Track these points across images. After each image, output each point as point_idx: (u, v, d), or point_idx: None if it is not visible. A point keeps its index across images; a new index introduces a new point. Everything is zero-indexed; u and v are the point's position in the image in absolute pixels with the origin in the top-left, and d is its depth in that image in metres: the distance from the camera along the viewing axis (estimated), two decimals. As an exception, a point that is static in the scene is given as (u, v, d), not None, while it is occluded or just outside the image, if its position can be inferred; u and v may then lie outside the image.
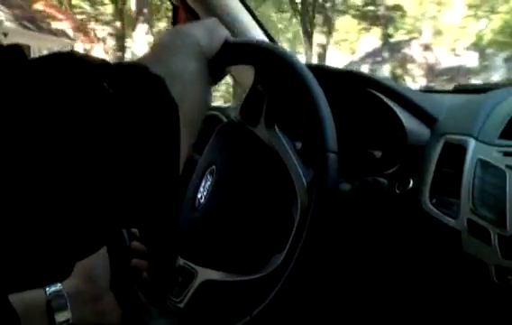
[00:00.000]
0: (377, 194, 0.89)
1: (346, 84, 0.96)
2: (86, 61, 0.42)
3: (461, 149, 0.78)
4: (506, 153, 0.72)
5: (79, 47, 14.58)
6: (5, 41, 0.46)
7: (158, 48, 0.58)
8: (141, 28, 12.46)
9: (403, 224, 0.87)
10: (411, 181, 0.85)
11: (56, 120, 0.34)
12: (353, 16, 17.65)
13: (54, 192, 0.34)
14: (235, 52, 0.71)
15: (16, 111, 0.33)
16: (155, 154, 0.42)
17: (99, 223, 0.39)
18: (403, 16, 16.83)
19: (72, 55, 0.42)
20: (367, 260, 0.96)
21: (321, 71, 0.78)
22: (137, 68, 0.46)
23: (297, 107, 0.80)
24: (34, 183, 0.33)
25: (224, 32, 0.71)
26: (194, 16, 1.25)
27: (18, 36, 10.67)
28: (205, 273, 0.77)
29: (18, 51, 0.38)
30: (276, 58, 0.71)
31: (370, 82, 0.93)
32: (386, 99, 0.89)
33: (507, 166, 0.70)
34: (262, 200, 0.77)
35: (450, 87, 1.20)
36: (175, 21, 1.36)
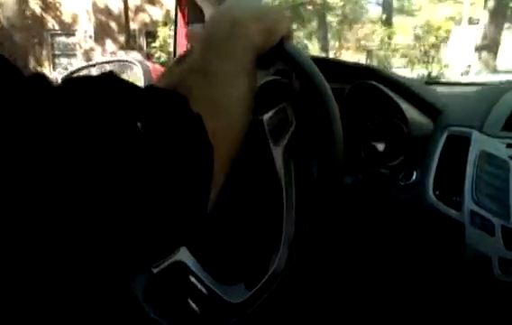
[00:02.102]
0: (380, 186, 0.89)
1: (350, 77, 0.96)
2: (122, 91, 0.41)
3: (465, 141, 0.78)
4: (509, 145, 0.73)
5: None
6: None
7: (207, 54, 0.52)
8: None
9: (406, 216, 0.87)
10: (414, 173, 0.85)
11: (83, 160, 0.33)
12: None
13: (82, 234, 0.33)
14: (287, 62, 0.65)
15: (43, 149, 0.32)
16: (182, 199, 0.40)
17: (122, 267, 0.38)
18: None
19: (109, 81, 0.41)
20: (370, 251, 0.96)
21: (325, 64, 0.78)
22: (176, 101, 0.43)
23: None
24: (57, 228, 0.32)
25: (283, 30, 0.63)
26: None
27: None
28: (184, 255, 0.78)
29: (42, 80, 0.36)
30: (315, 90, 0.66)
31: (374, 75, 0.93)
32: (389, 92, 0.89)
33: (511, 157, 0.71)
34: (253, 219, 0.78)
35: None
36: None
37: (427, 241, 0.84)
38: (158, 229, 0.39)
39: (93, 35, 15.29)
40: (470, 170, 0.74)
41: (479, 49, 9.67)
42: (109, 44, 15.43)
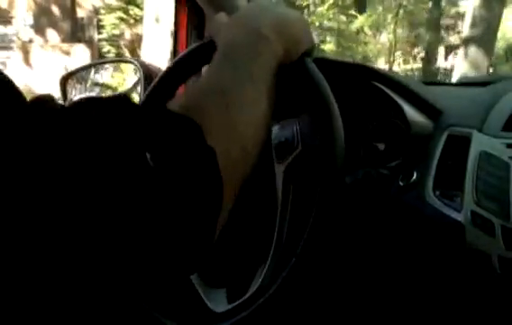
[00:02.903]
0: (380, 186, 0.89)
1: (350, 76, 0.96)
2: (132, 117, 0.39)
3: (465, 141, 0.78)
4: (509, 145, 0.73)
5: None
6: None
7: (227, 72, 0.50)
8: None
9: (406, 216, 0.87)
10: (414, 174, 0.85)
11: (88, 190, 0.32)
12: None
13: (87, 267, 0.33)
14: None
15: (46, 179, 0.31)
16: (188, 232, 0.39)
17: (128, 292, 0.38)
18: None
19: (120, 106, 0.40)
20: (369, 252, 0.96)
21: (325, 63, 0.78)
22: (190, 132, 0.41)
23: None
24: (61, 261, 0.31)
25: (305, 43, 0.61)
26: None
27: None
28: None
29: (47, 104, 0.35)
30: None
31: (374, 74, 0.93)
32: (389, 92, 0.89)
33: (511, 158, 0.71)
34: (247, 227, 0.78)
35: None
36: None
37: (427, 241, 0.84)
38: (162, 261, 0.38)
39: (33, 24, 12.35)
40: (470, 170, 0.74)
41: (465, 42, 7.44)
42: (52, 35, 12.63)
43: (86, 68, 1.23)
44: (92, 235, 0.32)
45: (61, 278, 0.31)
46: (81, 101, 0.39)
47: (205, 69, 0.98)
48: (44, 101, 0.36)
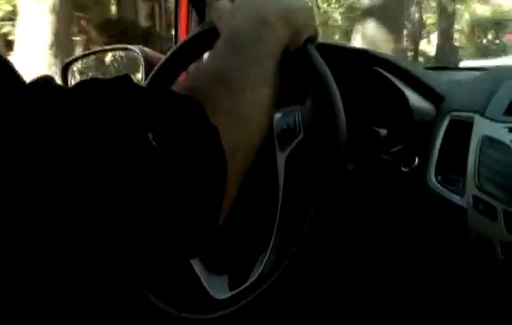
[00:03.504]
0: (382, 172, 0.89)
1: (352, 61, 0.95)
2: (134, 97, 0.39)
3: (467, 126, 0.78)
4: (511, 130, 0.72)
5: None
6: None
7: (230, 58, 0.49)
8: None
9: (408, 202, 0.87)
10: (416, 159, 0.85)
11: (88, 170, 0.32)
12: None
13: (88, 247, 0.32)
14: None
15: (47, 158, 0.31)
16: (191, 214, 0.39)
17: (130, 277, 0.38)
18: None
19: (122, 86, 0.39)
20: (372, 238, 0.96)
21: (327, 48, 0.78)
22: (193, 111, 0.41)
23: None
24: (61, 240, 0.31)
25: (310, 30, 0.60)
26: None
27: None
28: None
29: (47, 85, 0.35)
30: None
31: (375, 60, 0.93)
32: (391, 77, 0.89)
33: (513, 141, 0.70)
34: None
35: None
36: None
37: (429, 226, 0.84)
38: (165, 243, 0.38)
39: None
40: (472, 155, 0.74)
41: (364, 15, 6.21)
42: None
43: (88, 55, 1.23)
44: (94, 216, 0.32)
45: (62, 260, 0.31)
46: (82, 82, 0.39)
47: (206, 54, 0.98)
48: (44, 82, 0.35)
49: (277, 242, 0.78)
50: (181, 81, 0.50)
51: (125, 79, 0.41)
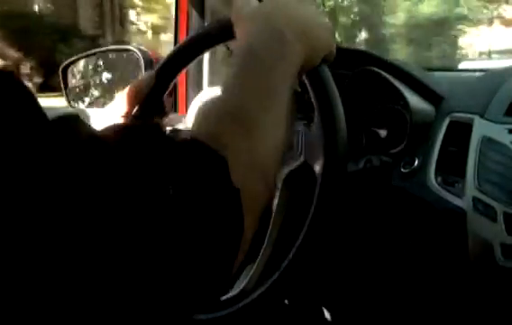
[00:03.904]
0: (382, 173, 0.89)
1: (352, 63, 0.95)
2: (159, 147, 0.39)
3: (467, 127, 0.78)
4: (511, 131, 0.72)
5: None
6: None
7: (248, 94, 0.47)
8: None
9: (408, 203, 0.87)
10: (416, 160, 0.85)
11: (106, 218, 0.32)
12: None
13: (105, 297, 0.32)
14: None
15: (66, 202, 0.30)
16: (204, 267, 0.38)
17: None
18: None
19: (148, 135, 0.39)
20: (371, 239, 0.96)
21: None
22: (216, 168, 0.40)
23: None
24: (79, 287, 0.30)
25: (326, 49, 0.59)
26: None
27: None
28: None
29: (74, 123, 0.35)
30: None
31: (375, 61, 0.93)
32: (391, 78, 0.89)
33: (513, 143, 0.71)
34: None
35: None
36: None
37: (429, 228, 0.84)
38: (173, 296, 0.37)
39: None
40: (472, 156, 0.74)
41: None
42: None
43: (88, 56, 1.23)
44: (109, 264, 0.31)
45: (71, 308, 0.30)
46: (109, 127, 0.39)
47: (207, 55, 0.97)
48: (69, 121, 0.35)
49: (264, 257, 0.77)
50: (202, 120, 0.47)
51: (155, 128, 0.41)
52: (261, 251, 0.78)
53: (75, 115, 0.36)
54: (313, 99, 0.62)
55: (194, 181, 0.38)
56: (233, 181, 0.41)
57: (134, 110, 0.72)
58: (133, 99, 0.72)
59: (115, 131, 0.39)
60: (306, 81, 0.60)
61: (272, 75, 0.49)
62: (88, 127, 0.37)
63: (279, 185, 0.81)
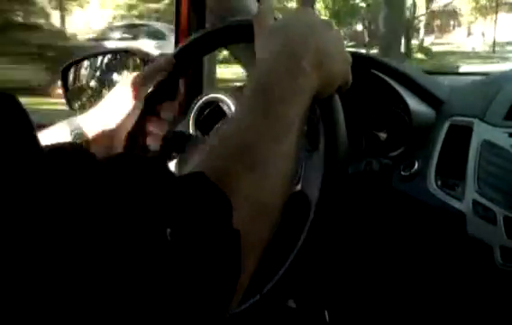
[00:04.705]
0: (381, 176, 0.89)
1: (352, 66, 0.95)
2: (160, 185, 0.38)
3: (467, 130, 0.78)
4: (511, 135, 0.72)
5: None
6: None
7: (258, 128, 0.46)
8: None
9: (408, 206, 0.87)
10: (416, 163, 0.85)
11: (96, 259, 0.31)
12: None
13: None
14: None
15: (62, 243, 0.29)
16: (201, 307, 0.37)
17: None
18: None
19: (149, 173, 0.38)
20: (371, 242, 0.96)
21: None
22: (219, 209, 0.39)
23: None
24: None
25: (342, 80, 0.58)
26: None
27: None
28: None
29: (69, 153, 0.34)
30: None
31: (375, 64, 0.93)
32: (391, 81, 0.89)
33: (513, 146, 0.71)
34: None
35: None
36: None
37: (429, 231, 0.84)
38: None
39: None
40: (472, 159, 0.74)
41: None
42: None
43: (87, 58, 1.23)
44: (104, 307, 0.31)
45: None
46: (111, 158, 0.38)
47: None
48: (64, 151, 0.35)
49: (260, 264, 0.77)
50: (208, 153, 0.46)
51: (159, 163, 0.40)
52: None
53: (74, 144, 0.35)
54: (320, 127, 0.62)
55: (193, 223, 0.37)
56: (235, 222, 0.40)
57: (149, 91, 0.73)
58: (150, 80, 0.72)
59: (116, 163, 0.38)
60: (317, 109, 0.59)
61: (285, 108, 0.47)
62: (86, 158, 0.36)
63: None
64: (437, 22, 16.11)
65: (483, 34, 13.61)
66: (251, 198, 0.43)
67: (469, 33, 14.77)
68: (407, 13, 13.38)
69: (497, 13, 13.85)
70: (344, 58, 0.59)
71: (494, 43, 13.10)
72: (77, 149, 0.35)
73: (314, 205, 0.62)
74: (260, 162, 0.44)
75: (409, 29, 13.46)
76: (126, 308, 0.32)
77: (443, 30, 16.05)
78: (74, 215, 0.30)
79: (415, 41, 14.55)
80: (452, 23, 15.67)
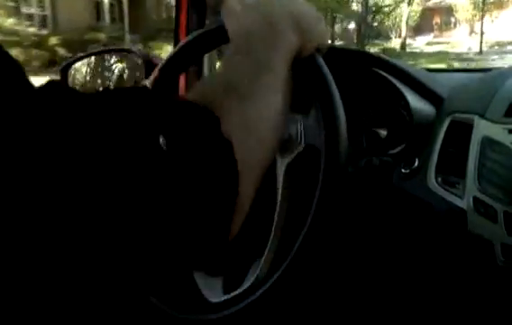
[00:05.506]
0: (382, 174, 0.89)
1: (352, 63, 0.95)
2: (150, 103, 0.39)
3: (467, 127, 0.78)
4: (511, 131, 0.72)
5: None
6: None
7: (243, 68, 0.49)
8: None
9: (408, 204, 0.87)
10: (416, 161, 0.85)
11: (96, 171, 0.32)
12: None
13: (98, 254, 0.32)
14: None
15: (57, 163, 0.30)
16: (200, 222, 0.38)
17: (137, 286, 0.37)
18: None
19: (138, 93, 0.39)
20: (372, 240, 0.96)
21: (328, 50, 0.78)
22: (208, 122, 0.41)
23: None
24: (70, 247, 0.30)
25: (319, 38, 0.60)
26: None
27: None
28: None
29: (57, 90, 0.34)
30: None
31: (375, 61, 0.93)
32: (392, 78, 0.89)
33: (513, 143, 0.70)
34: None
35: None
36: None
37: (429, 228, 0.84)
38: (172, 250, 0.37)
39: None
40: (472, 156, 0.74)
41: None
42: None
43: (87, 56, 1.23)
44: (101, 218, 0.31)
45: (65, 262, 0.30)
46: (97, 90, 0.39)
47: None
48: (55, 87, 0.35)
49: (273, 247, 0.77)
50: (196, 89, 0.49)
51: (143, 89, 0.41)
52: (269, 243, 0.77)
53: (58, 82, 0.36)
54: (311, 86, 0.62)
55: (185, 132, 0.39)
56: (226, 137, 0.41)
57: None
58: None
59: (104, 93, 0.39)
60: (303, 69, 0.60)
61: (266, 58, 0.50)
62: (75, 91, 0.37)
63: (282, 176, 0.81)
64: (436, 19, 15.86)
65: (482, 33, 13.26)
66: (239, 121, 0.44)
67: (471, 32, 14.41)
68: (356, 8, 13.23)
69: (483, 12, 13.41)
70: (318, 18, 0.60)
71: (481, 43, 12.72)
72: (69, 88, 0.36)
73: (323, 154, 0.62)
74: (244, 92, 0.47)
75: (361, 25, 13.34)
76: (126, 218, 0.33)
77: (442, 28, 15.81)
78: (68, 139, 0.31)
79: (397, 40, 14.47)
80: (452, 20, 15.41)
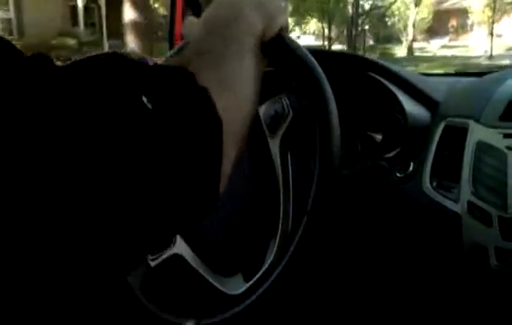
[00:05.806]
0: (377, 178, 0.89)
1: (347, 67, 0.96)
2: (126, 66, 0.40)
3: (462, 132, 0.78)
4: (506, 135, 0.72)
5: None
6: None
7: (211, 37, 0.52)
8: None
9: (403, 208, 0.87)
10: (411, 165, 0.85)
11: (86, 136, 0.32)
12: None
13: (85, 216, 0.32)
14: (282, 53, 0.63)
15: (43, 128, 0.31)
16: (192, 176, 0.39)
17: (136, 245, 0.37)
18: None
19: (112, 58, 0.40)
20: (367, 243, 0.96)
21: (322, 54, 0.78)
22: (182, 76, 0.43)
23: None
24: (55, 207, 0.31)
25: (283, 20, 0.62)
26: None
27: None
28: (181, 248, 0.78)
29: (44, 59, 0.35)
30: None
31: (371, 65, 0.93)
32: (387, 83, 0.89)
33: (507, 147, 0.70)
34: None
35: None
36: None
37: (424, 232, 0.84)
38: (166, 208, 0.37)
39: None
40: (467, 160, 0.74)
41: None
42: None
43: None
44: (90, 181, 0.32)
45: (56, 223, 0.31)
46: (77, 59, 0.39)
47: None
48: (43, 57, 0.35)
49: (284, 227, 0.77)
50: (167, 59, 0.51)
51: (117, 54, 0.42)
52: (279, 226, 0.77)
53: (46, 54, 0.37)
54: (285, 64, 0.64)
55: (165, 89, 0.40)
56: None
57: None
58: None
59: (83, 61, 0.39)
60: (274, 49, 0.61)
61: (232, 31, 0.53)
62: (58, 63, 0.37)
63: (278, 155, 0.81)
64: (453, 22, 15.48)
65: (493, 36, 12.73)
66: (213, 82, 0.45)
67: (489, 34, 13.85)
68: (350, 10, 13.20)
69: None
70: (279, 2, 0.63)
71: (491, 47, 12.39)
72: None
73: (313, 181, 0.62)
74: (216, 56, 0.49)
75: (351, 29, 13.27)
76: (113, 180, 0.33)
77: (459, 31, 15.35)
78: (54, 103, 0.32)
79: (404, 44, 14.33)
80: (469, 23, 15.04)
